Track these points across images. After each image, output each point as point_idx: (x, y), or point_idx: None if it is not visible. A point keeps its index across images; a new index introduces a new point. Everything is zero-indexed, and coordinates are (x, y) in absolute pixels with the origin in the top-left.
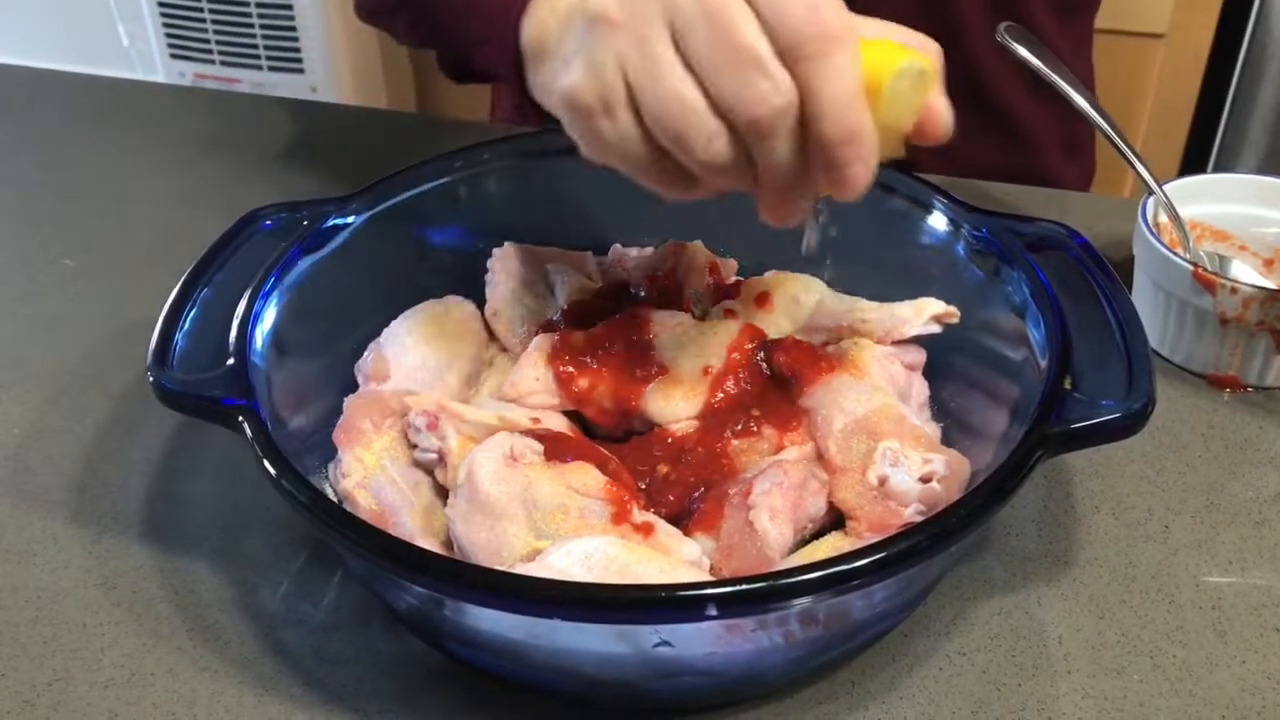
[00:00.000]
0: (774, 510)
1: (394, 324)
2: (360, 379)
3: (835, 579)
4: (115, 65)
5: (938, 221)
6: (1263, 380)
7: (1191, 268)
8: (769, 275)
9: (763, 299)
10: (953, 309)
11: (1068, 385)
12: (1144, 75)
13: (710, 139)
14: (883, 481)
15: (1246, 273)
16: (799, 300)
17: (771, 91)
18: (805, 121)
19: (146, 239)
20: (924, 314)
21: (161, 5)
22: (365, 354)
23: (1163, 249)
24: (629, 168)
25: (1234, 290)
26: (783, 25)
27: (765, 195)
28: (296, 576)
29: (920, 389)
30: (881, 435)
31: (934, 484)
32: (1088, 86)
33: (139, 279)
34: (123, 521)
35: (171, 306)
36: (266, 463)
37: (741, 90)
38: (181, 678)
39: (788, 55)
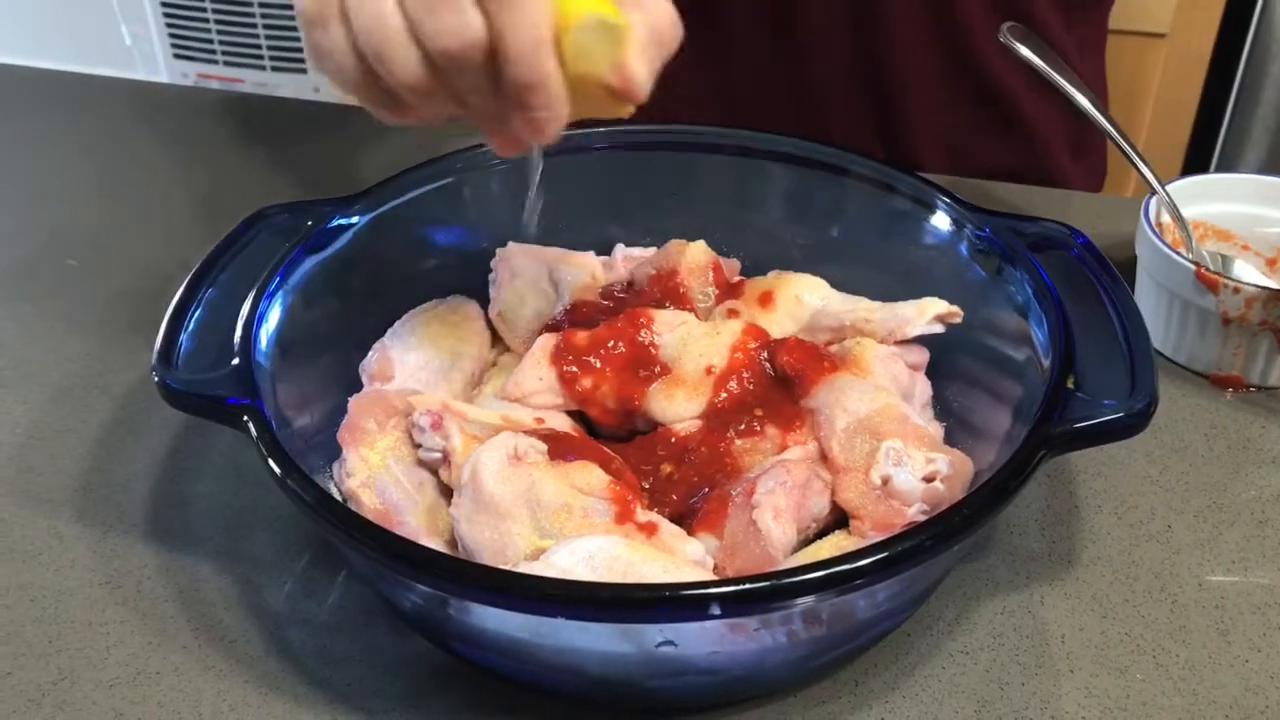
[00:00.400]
0: (777, 510)
1: (398, 324)
2: (365, 379)
3: (839, 578)
4: (118, 65)
5: (940, 221)
6: (1265, 380)
7: (1194, 267)
8: (772, 275)
9: (766, 299)
10: (955, 308)
11: (1071, 385)
12: (1147, 75)
13: (406, 62)
14: (886, 481)
15: (1249, 272)
16: (802, 300)
17: (459, 26)
18: (497, 62)
19: (149, 239)
20: (927, 314)
21: (165, 5)
22: (370, 354)
23: (1165, 249)
24: (341, 82)
25: (1236, 290)
26: None
27: (476, 124)
28: (301, 576)
29: (923, 388)
30: (884, 435)
31: (937, 484)
32: (1098, 88)
33: (143, 279)
34: (127, 521)
35: (176, 306)
36: (271, 462)
37: (432, 20)
38: (186, 677)
39: None
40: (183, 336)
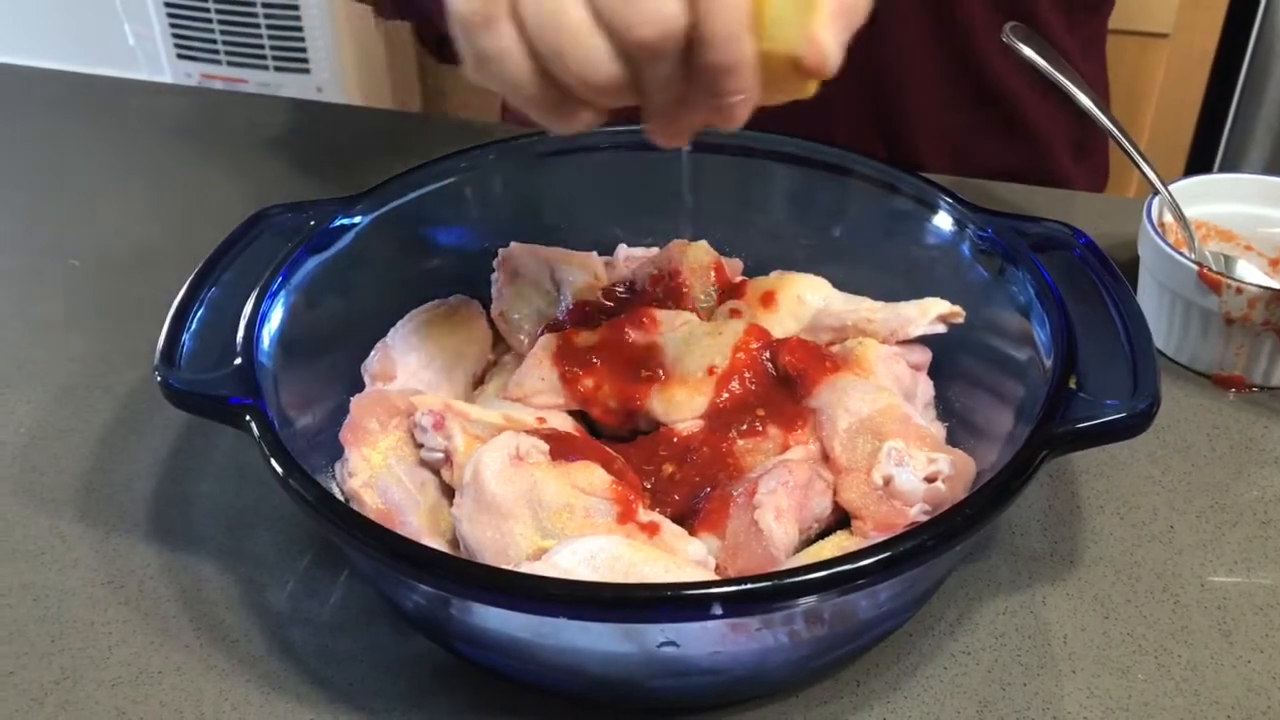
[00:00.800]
0: (779, 510)
1: (400, 324)
2: (366, 379)
3: (840, 578)
4: (121, 65)
5: (943, 221)
6: (1268, 380)
7: (1197, 268)
8: (774, 275)
9: (768, 299)
10: (958, 309)
11: (1073, 385)
12: (1149, 75)
13: (593, 57)
14: (888, 481)
15: (1252, 272)
16: (804, 300)
17: (658, 13)
18: (691, 47)
19: (152, 239)
20: (929, 314)
21: (168, 5)
22: (372, 354)
23: (1168, 249)
24: (511, 89)
25: (1239, 290)
26: None
27: (650, 116)
28: (303, 575)
29: (926, 389)
30: (886, 435)
31: (939, 484)
32: (1100, 88)
33: (145, 279)
34: (130, 521)
35: (179, 306)
36: (273, 462)
37: (628, 10)
38: (189, 676)
39: None
40: (185, 336)
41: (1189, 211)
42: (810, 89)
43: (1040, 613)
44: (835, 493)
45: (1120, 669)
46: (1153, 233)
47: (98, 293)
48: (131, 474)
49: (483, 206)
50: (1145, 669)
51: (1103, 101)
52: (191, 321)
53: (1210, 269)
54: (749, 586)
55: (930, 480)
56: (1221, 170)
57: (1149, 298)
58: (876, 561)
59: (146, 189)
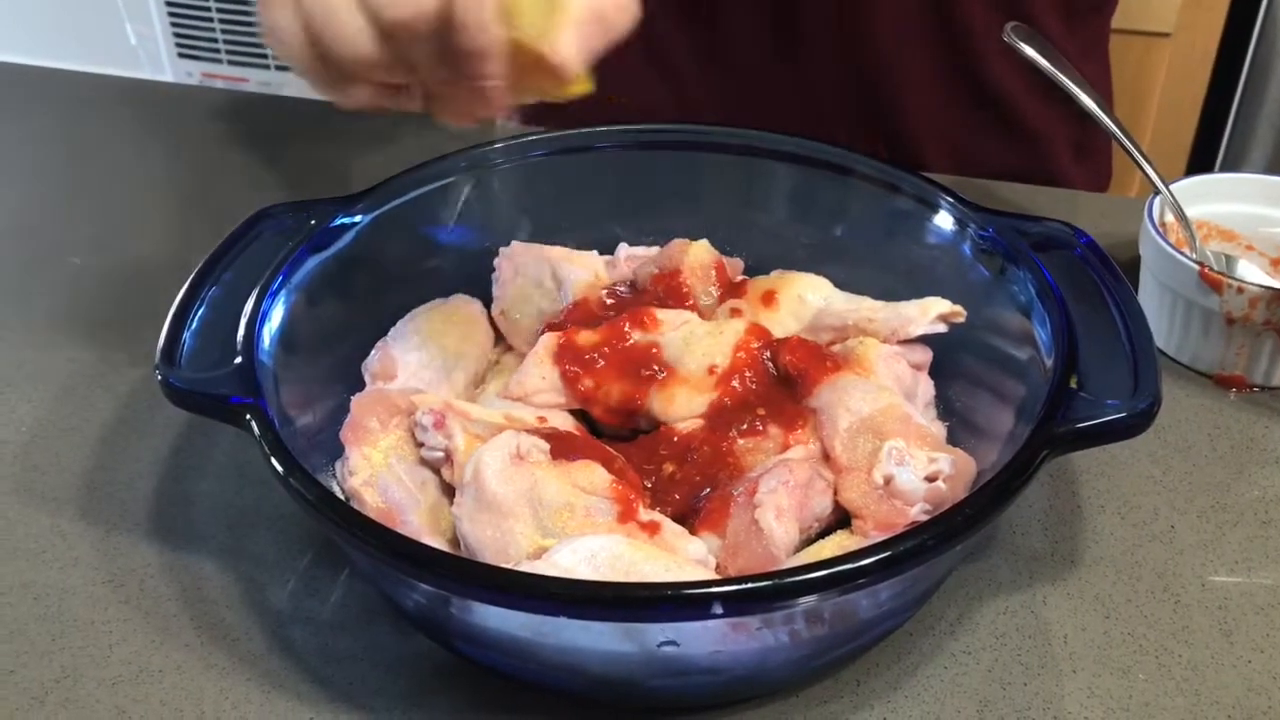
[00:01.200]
0: (779, 509)
1: (401, 323)
2: (367, 378)
3: (841, 577)
4: (123, 64)
5: (944, 221)
6: (1269, 380)
7: (1198, 267)
8: (775, 274)
9: (769, 298)
10: (959, 308)
11: (1074, 384)
12: (1151, 75)
13: (353, 33)
14: (888, 481)
15: (1253, 272)
16: (805, 299)
17: None
18: (446, 30)
19: (154, 238)
20: (930, 313)
21: (169, 4)
22: (372, 353)
23: (1169, 248)
24: (291, 60)
25: (1240, 290)
26: None
27: (424, 95)
28: (303, 574)
29: (926, 388)
30: (887, 434)
31: (939, 483)
32: (1103, 89)
33: (146, 278)
34: (130, 520)
35: (179, 305)
36: (274, 461)
37: None
38: (189, 675)
39: None
40: (186, 335)
41: (1190, 211)
42: (570, 90)
43: (1041, 612)
44: (836, 492)
45: (1121, 669)
46: (1154, 232)
47: (99, 292)
48: (132, 473)
49: (483, 206)
50: (1146, 669)
51: (1106, 102)
52: (192, 320)
53: (1211, 269)
54: (749, 586)
55: (931, 480)
56: (1223, 170)
57: (1150, 297)
58: (877, 561)
59: (148, 188)
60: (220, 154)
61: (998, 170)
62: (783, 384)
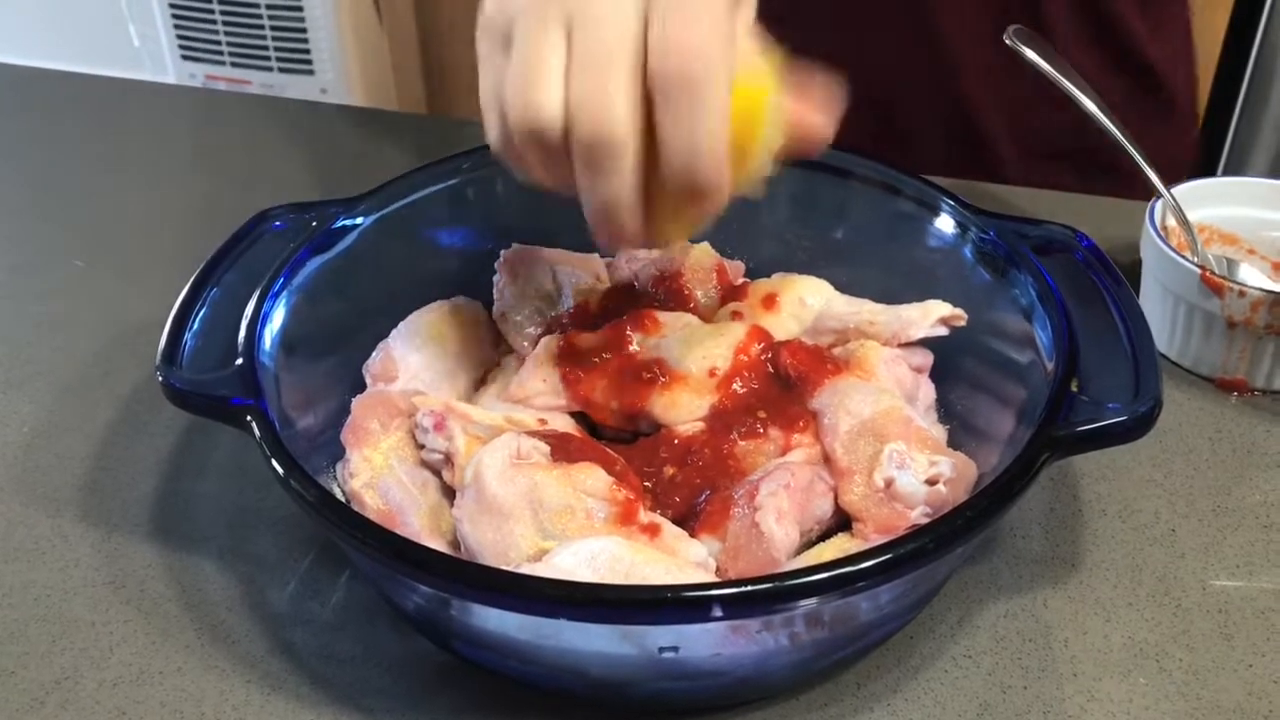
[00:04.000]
0: (780, 512)
1: (402, 324)
2: (368, 379)
3: (841, 580)
4: (126, 66)
5: (945, 224)
6: (1270, 384)
7: (1199, 271)
8: (776, 277)
9: (769, 301)
10: (959, 311)
11: (1074, 388)
12: None
13: (490, 126)
14: (889, 484)
15: (1255, 276)
16: (806, 302)
17: (535, 105)
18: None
19: (156, 239)
20: (931, 316)
21: (173, 6)
22: (373, 354)
23: (1170, 252)
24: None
25: (1242, 293)
26: (653, 48)
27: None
28: (304, 576)
29: (928, 391)
30: (888, 437)
31: (940, 486)
32: (1185, 66)
33: (149, 279)
34: (131, 521)
35: (181, 306)
36: (274, 462)
37: (512, 92)
38: (189, 676)
39: (649, 80)
40: (187, 336)
41: (1192, 215)
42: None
43: (1041, 616)
44: (836, 495)
45: (1121, 672)
46: (1155, 236)
47: (100, 293)
48: (133, 474)
49: (485, 207)
50: (1146, 672)
51: (1189, 77)
52: (193, 321)
53: (1213, 272)
54: (749, 588)
55: (931, 483)
56: (1225, 174)
57: (1152, 301)
58: (877, 564)
59: (150, 189)
60: (222, 156)
61: (1055, 138)
62: (783, 387)
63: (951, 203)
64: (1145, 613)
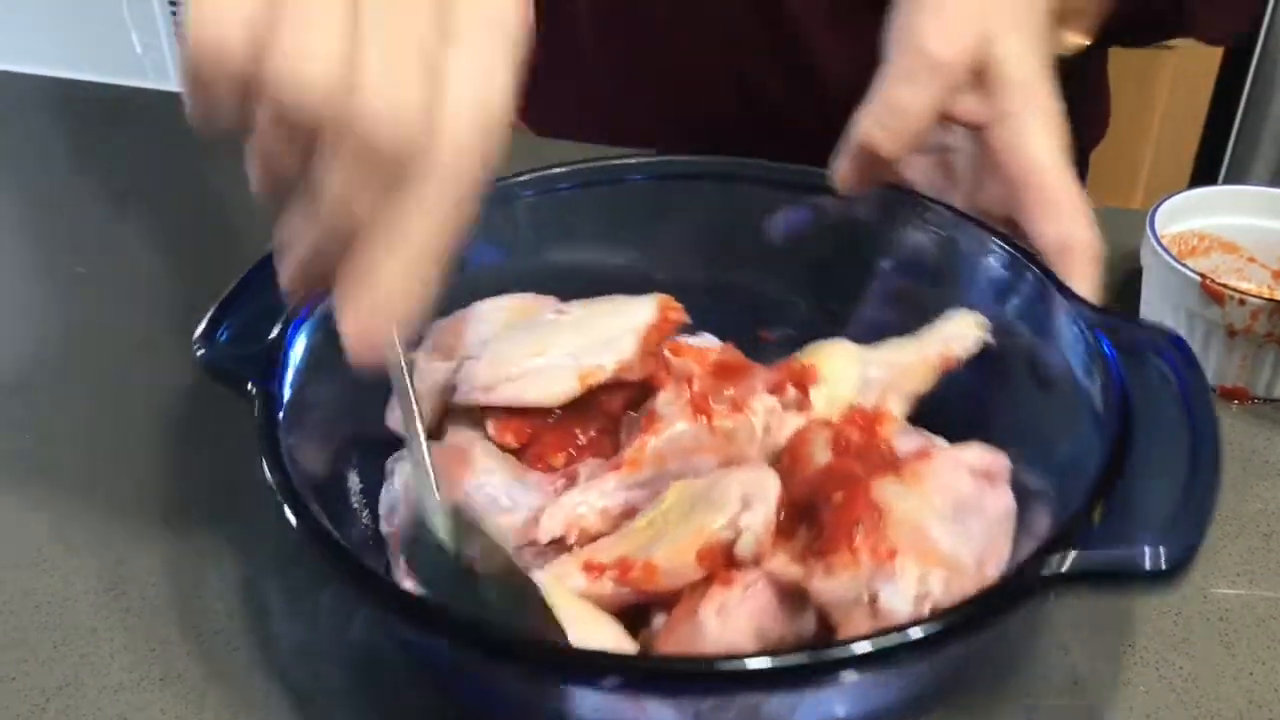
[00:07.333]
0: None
1: (480, 304)
2: (421, 353)
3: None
4: (128, 73)
5: (1032, 296)
6: (1271, 392)
7: (1200, 279)
8: (800, 358)
9: (804, 389)
10: (980, 317)
11: (1097, 517)
12: (1154, 86)
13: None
14: (873, 599)
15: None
16: (839, 395)
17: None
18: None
19: (159, 246)
20: (971, 325)
21: (175, 13)
22: (437, 322)
23: (1170, 260)
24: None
25: (1242, 301)
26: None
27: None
28: (308, 585)
29: (997, 504)
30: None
31: (927, 604)
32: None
33: (151, 286)
34: (133, 528)
35: (234, 289)
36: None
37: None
38: (190, 683)
39: None
40: (229, 317)
41: (1193, 223)
42: None
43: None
44: (816, 582)
45: (1121, 681)
46: (1155, 244)
47: (102, 300)
48: (134, 480)
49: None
50: (1146, 680)
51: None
52: (236, 303)
53: (1213, 280)
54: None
55: (921, 599)
56: (1226, 182)
57: (1152, 310)
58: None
59: (152, 197)
60: (225, 162)
61: None
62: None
63: (1045, 277)
64: (1145, 621)
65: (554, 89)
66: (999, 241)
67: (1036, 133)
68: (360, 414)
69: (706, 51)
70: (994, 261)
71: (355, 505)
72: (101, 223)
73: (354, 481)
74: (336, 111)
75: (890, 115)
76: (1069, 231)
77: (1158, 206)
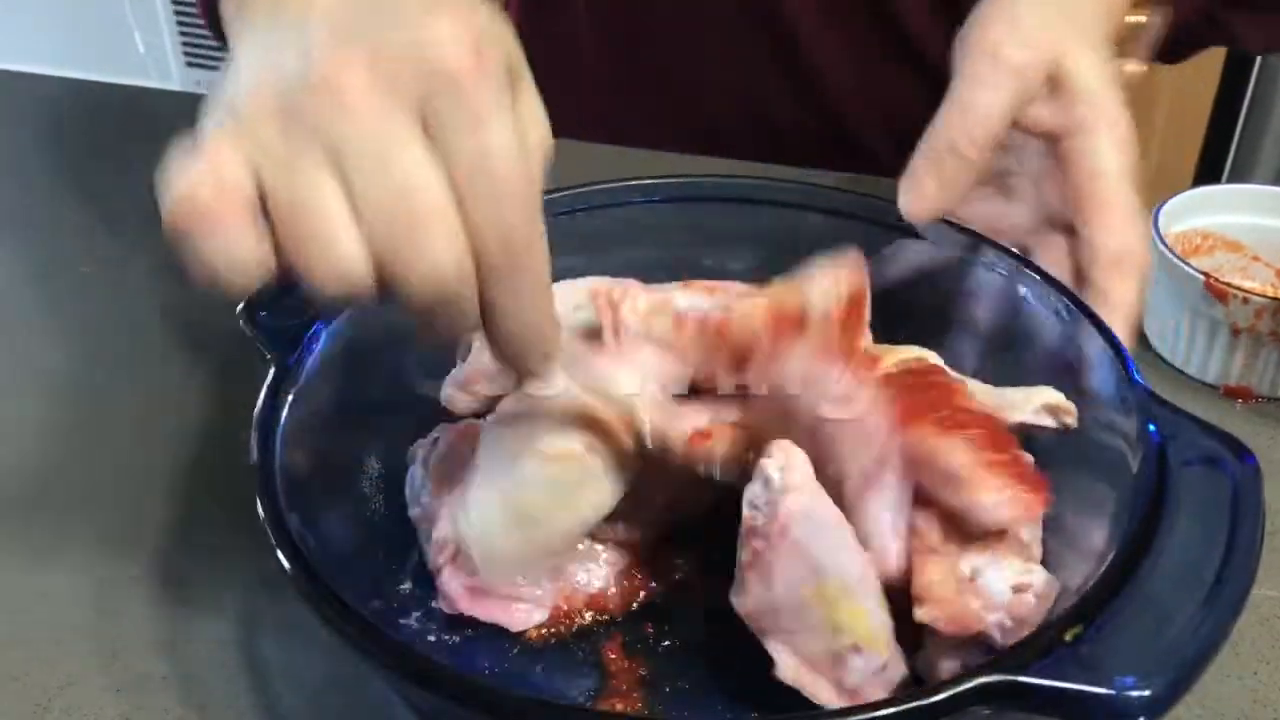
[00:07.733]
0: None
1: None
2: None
3: None
4: (131, 72)
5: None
6: (1275, 391)
7: (1203, 278)
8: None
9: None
10: (1070, 405)
11: (1069, 637)
12: (1158, 85)
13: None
14: (974, 576)
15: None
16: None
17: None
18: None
19: (161, 246)
20: (1034, 401)
21: (178, 12)
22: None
23: (1174, 259)
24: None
25: (1245, 300)
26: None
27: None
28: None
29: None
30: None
31: (1029, 596)
32: None
33: (153, 287)
34: (136, 525)
35: None
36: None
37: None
38: (195, 681)
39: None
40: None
41: (1196, 222)
42: None
43: None
44: (911, 574)
45: None
46: (1159, 243)
47: (106, 301)
48: (138, 480)
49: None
50: None
51: None
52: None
53: (1217, 279)
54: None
55: (1019, 590)
56: (1230, 181)
57: (1156, 309)
58: None
59: (155, 196)
60: None
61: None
62: None
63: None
64: None
65: (553, 89)
66: (1077, 309)
67: (1107, 145)
68: (383, 396)
69: (706, 53)
70: (1072, 335)
71: (368, 491)
72: (104, 223)
73: (373, 466)
74: (384, 293)
75: (968, 118)
76: (1128, 245)
77: (1161, 205)
